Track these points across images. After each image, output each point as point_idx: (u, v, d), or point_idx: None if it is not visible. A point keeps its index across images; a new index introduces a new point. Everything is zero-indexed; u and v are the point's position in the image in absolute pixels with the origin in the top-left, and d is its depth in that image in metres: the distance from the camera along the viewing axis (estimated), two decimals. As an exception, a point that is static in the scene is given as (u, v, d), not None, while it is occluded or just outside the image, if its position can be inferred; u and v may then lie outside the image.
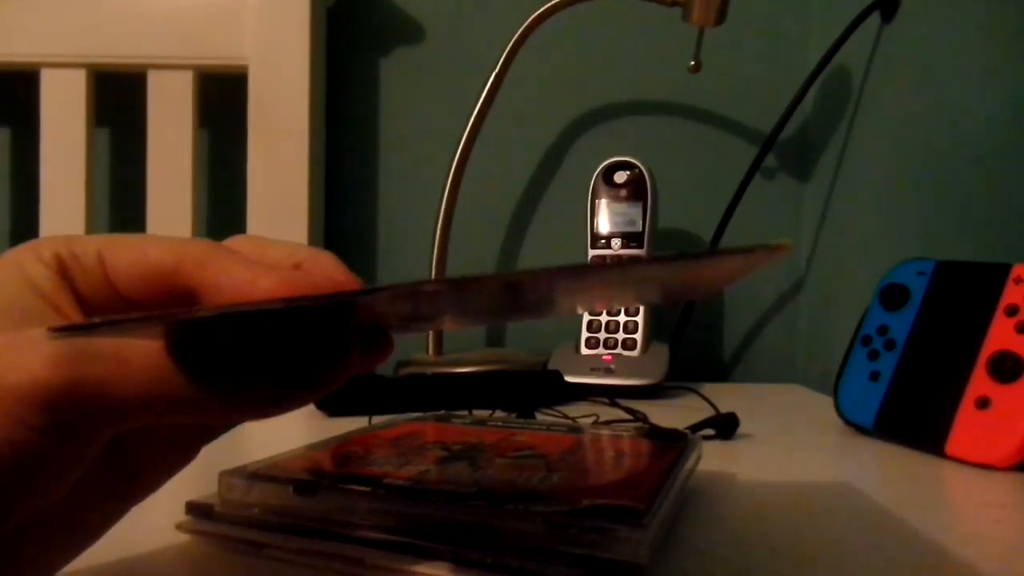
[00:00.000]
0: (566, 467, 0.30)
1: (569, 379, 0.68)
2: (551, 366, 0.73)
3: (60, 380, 0.17)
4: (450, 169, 0.79)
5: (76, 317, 0.20)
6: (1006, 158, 0.53)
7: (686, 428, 0.44)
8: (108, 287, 0.20)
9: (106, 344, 0.18)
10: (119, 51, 0.79)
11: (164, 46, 0.79)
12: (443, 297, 0.18)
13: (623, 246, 0.75)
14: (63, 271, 0.20)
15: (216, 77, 0.82)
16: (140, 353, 0.18)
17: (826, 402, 0.58)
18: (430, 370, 0.73)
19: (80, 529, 0.22)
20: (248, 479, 0.28)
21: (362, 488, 0.26)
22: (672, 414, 0.59)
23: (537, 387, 0.65)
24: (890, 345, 0.51)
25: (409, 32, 0.90)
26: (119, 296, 0.21)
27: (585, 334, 0.75)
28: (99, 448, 0.19)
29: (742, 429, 0.52)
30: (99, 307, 0.20)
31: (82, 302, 0.20)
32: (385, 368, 0.88)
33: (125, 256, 0.20)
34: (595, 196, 0.77)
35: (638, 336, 0.73)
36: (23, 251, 0.20)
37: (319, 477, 0.28)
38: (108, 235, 0.21)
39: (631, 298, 0.26)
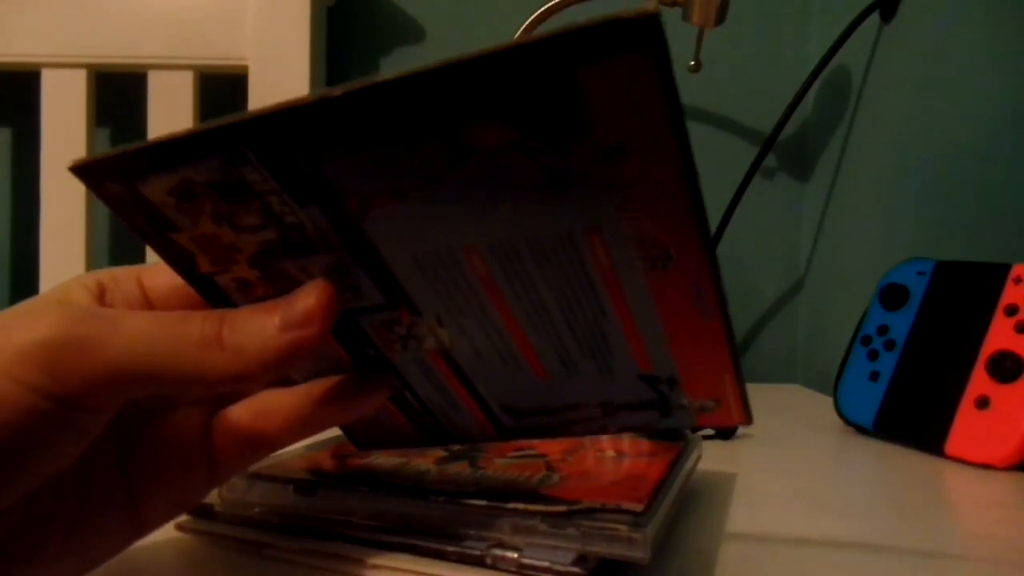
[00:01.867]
0: (566, 467, 0.30)
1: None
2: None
3: (56, 335, 0.18)
4: (450, 169, 0.79)
5: None
6: (1006, 158, 0.53)
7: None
8: (146, 304, 0.23)
9: (102, 309, 0.20)
10: (119, 51, 0.79)
11: (164, 46, 0.78)
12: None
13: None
14: (101, 294, 0.22)
15: (216, 77, 0.82)
16: (133, 318, 0.19)
17: (826, 402, 0.58)
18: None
19: (82, 555, 0.22)
20: (248, 479, 0.28)
21: (362, 488, 0.26)
22: (672, 414, 0.59)
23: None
24: (890, 345, 0.51)
25: (409, 32, 0.90)
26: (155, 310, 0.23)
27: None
28: (98, 422, 0.19)
29: (742, 429, 0.52)
30: None
31: None
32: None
33: (160, 276, 0.23)
34: (595, 196, 0.77)
35: (638, 336, 0.73)
36: (73, 279, 0.22)
37: (319, 477, 0.28)
38: (149, 264, 0.23)
39: None
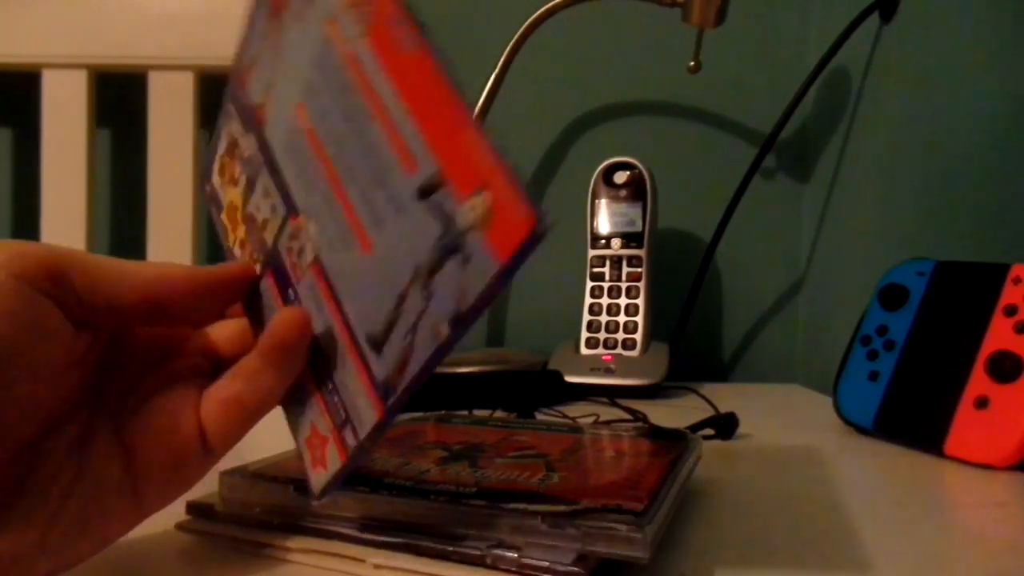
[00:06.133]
0: (566, 467, 0.30)
1: (569, 379, 0.68)
2: (551, 366, 0.73)
3: (63, 252, 0.22)
4: (450, 169, 0.79)
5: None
6: (1005, 158, 0.53)
7: (686, 428, 0.44)
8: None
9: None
10: (120, 51, 0.79)
11: (164, 46, 0.79)
12: None
13: (623, 246, 0.76)
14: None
15: (216, 77, 0.82)
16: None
17: (826, 402, 0.58)
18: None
19: (80, 526, 0.22)
20: (249, 479, 0.28)
21: (362, 488, 0.26)
22: (672, 414, 0.59)
23: (537, 387, 0.65)
24: (889, 345, 0.51)
25: (409, 32, 0.90)
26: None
27: (585, 334, 0.75)
28: (84, 340, 0.23)
29: (742, 429, 0.52)
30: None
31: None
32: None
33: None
34: (595, 196, 0.77)
35: (638, 336, 0.73)
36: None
37: (319, 477, 0.28)
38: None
39: None
